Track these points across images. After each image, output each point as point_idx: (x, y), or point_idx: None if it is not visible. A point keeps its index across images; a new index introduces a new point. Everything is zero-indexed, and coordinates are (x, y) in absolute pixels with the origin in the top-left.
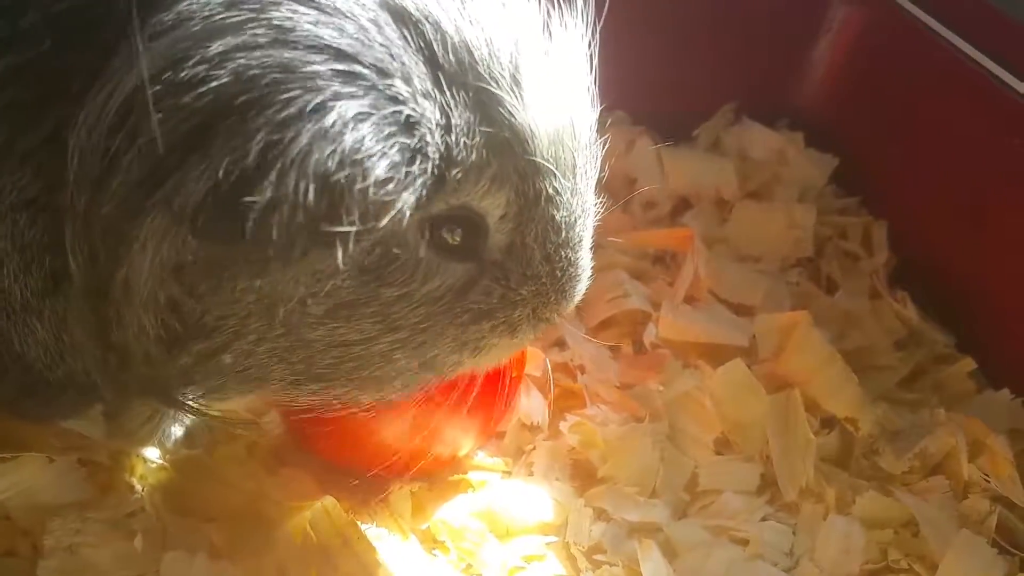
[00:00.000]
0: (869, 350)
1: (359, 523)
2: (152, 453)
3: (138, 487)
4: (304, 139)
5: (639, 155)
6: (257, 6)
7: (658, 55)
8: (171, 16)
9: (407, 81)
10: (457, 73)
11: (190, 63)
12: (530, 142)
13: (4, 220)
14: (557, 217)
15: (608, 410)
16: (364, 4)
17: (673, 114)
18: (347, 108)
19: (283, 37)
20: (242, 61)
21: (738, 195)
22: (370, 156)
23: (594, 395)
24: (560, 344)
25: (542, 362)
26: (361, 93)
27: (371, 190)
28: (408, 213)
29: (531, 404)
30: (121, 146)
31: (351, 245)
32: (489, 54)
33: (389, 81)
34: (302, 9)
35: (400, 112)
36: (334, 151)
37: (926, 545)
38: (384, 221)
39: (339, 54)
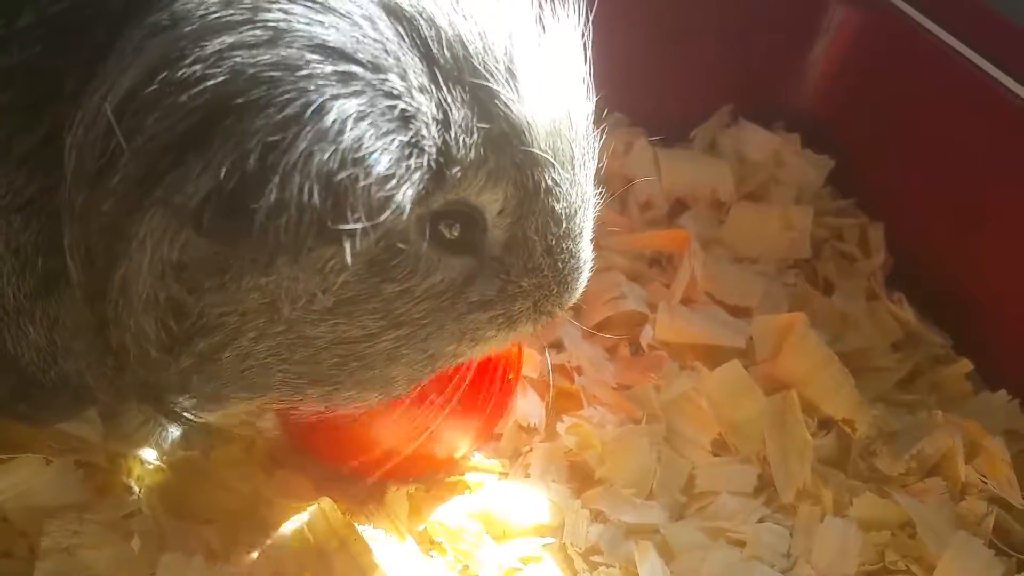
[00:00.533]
0: (866, 351)
1: (356, 524)
2: (149, 455)
3: (135, 489)
4: (305, 140)
5: (637, 156)
6: (252, 5)
7: (655, 57)
8: (166, 16)
9: (402, 76)
10: (453, 69)
11: (186, 62)
12: (527, 134)
13: None
14: (557, 208)
15: (605, 411)
16: (358, 1)
17: (670, 115)
18: (345, 107)
19: (279, 36)
20: (239, 60)
21: (735, 197)
22: (371, 153)
23: (591, 397)
24: (557, 345)
25: (539, 363)
26: (358, 91)
27: (374, 187)
28: (408, 207)
29: (528, 406)
30: (119, 144)
31: (358, 241)
32: (484, 48)
33: (384, 76)
34: (297, 8)
35: (395, 107)
36: (335, 151)
37: (923, 546)
38: (386, 215)
39: (334, 52)
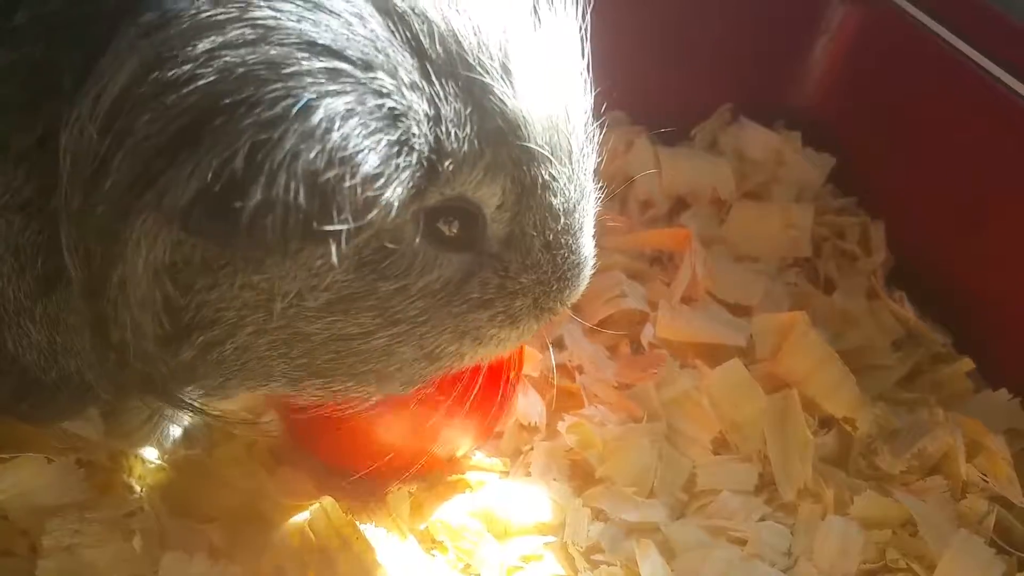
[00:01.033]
0: (867, 350)
1: (358, 523)
2: (151, 453)
3: (137, 487)
4: (291, 140)
5: (637, 155)
6: (243, 3)
7: (656, 55)
8: (159, 14)
9: (392, 74)
10: (445, 63)
11: (177, 62)
12: (523, 129)
13: None
14: (555, 204)
15: (606, 410)
16: None
17: (671, 114)
18: (333, 106)
19: (268, 34)
20: (228, 59)
21: (736, 195)
22: (358, 152)
23: (592, 395)
24: (558, 344)
25: (540, 362)
26: (346, 89)
27: (360, 187)
28: (397, 206)
29: (529, 404)
30: (111, 147)
31: (344, 241)
32: (478, 43)
33: (373, 74)
34: (286, 5)
35: (384, 105)
36: (321, 150)
37: (924, 545)
38: (373, 215)
39: (323, 50)
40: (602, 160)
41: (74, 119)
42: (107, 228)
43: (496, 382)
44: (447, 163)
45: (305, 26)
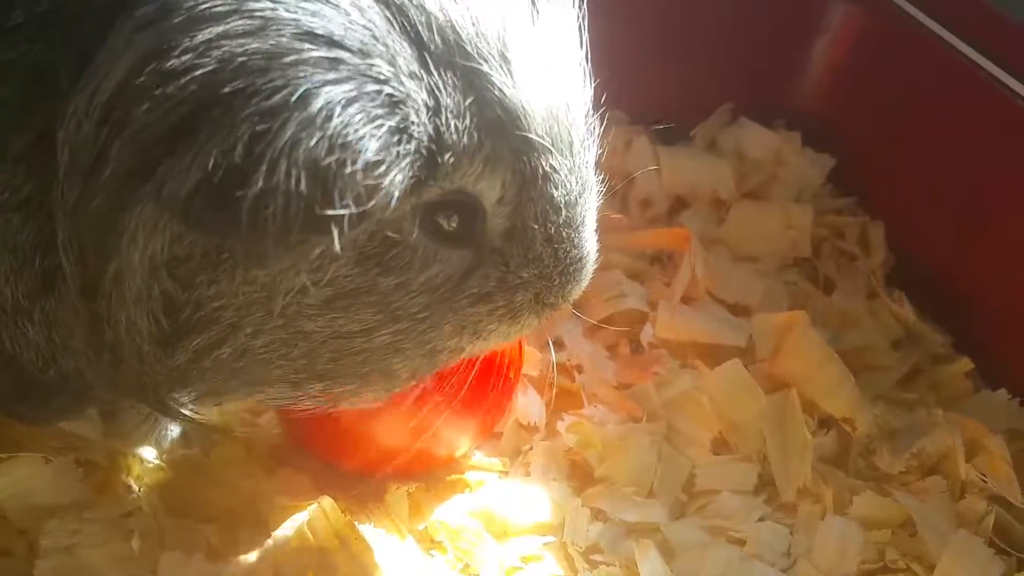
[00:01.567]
0: (866, 350)
1: (356, 523)
2: (149, 453)
3: (135, 487)
4: (291, 128)
5: (637, 154)
6: None
7: (656, 55)
8: (155, 7)
9: (390, 62)
10: (444, 53)
11: (175, 52)
12: (523, 120)
13: None
14: (556, 196)
15: (605, 410)
16: None
17: (671, 113)
18: (332, 93)
19: (267, 24)
20: (227, 49)
21: (735, 195)
22: (358, 139)
23: (591, 395)
24: (558, 344)
25: (539, 361)
26: (345, 77)
27: (361, 172)
28: (397, 195)
29: (528, 404)
30: (109, 137)
31: (347, 228)
32: (476, 33)
33: (372, 62)
34: None
35: (383, 92)
36: (322, 137)
37: (923, 545)
38: (375, 202)
39: (322, 39)
40: (602, 153)
41: (71, 113)
42: (104, 219)
43: (495, 382)
44: (447, 155)
45: (303, 16)
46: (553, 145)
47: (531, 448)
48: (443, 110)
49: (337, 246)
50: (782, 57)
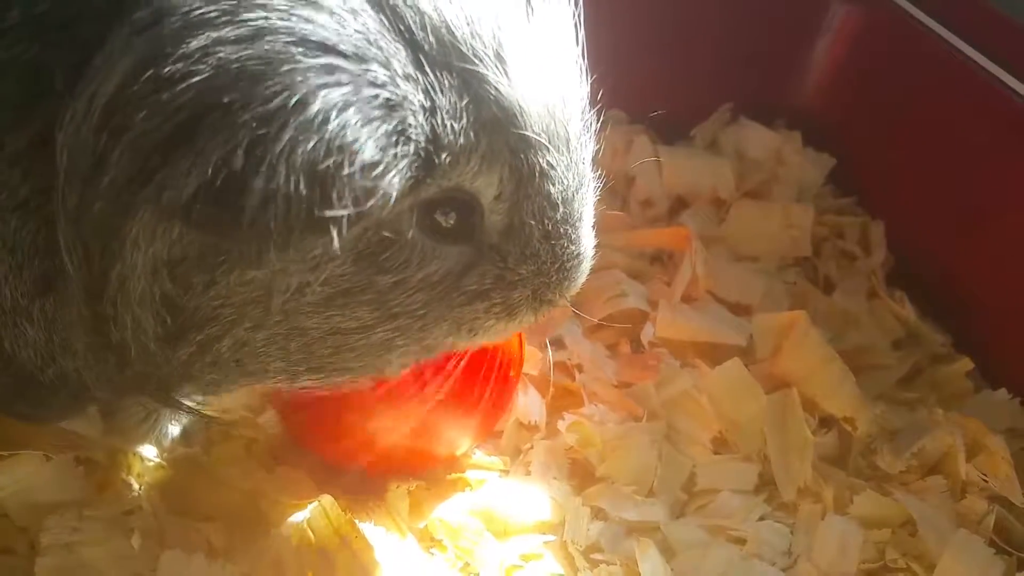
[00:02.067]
0: (867, 350)
1: (357, 522)
2: (149, 451)
3: (135, 485)
4: (289, 132)
5: (637, 154)
6: (235, 1)
7: (656, 55)
8: (151, 12)
9: (385, 65)
10: (439, 54)
11: (172, 59)
12: (519, 117)
13: None
14: (553, 192)
15: (606, 409)
16: None
17: (671, 113)
18: (329, 97)
19: (261, 31)
20: (223, 55)
21: (736, 195)
22: (355, 141)
23: (592, 394)
24: (558, 343)
25: (540, 361)
26: (342, 81)
27: (359, 174)
28: (395, 196)
29: (529, 403)
30: (108, 143)
31: (345, 229)
32: (471, 32)
33: (367, 66)
34: (278, 3)
35: (380, 95)
36: (319, 141)
37: (924, 545)
38: (373, 203)
39: (317, 45)
40: (600, 151)
41: (70, 118)
42: (105, 225)
43: (495, 380)
44: (444, 155)
45: (298, 23)
46: (549, 142)
47: (531, 447)
48: (439, 110)
49: (336, 246)
50: (783, 57)
